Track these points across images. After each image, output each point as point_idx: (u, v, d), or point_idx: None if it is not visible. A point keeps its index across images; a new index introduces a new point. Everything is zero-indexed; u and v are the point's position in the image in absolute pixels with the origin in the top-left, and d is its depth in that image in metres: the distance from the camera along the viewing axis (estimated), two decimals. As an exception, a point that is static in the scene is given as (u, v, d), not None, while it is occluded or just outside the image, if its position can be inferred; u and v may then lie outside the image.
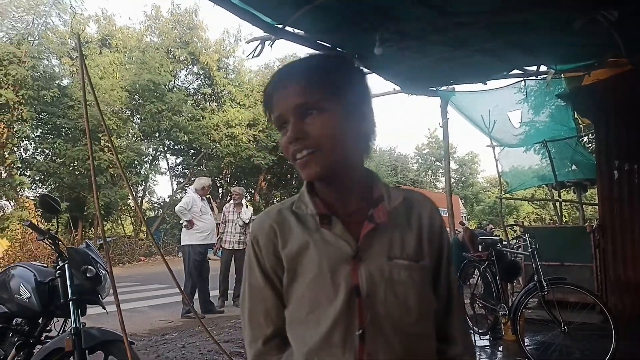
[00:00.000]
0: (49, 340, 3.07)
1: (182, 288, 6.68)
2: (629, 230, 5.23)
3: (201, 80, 24.84)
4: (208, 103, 24.62)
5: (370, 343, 0.86)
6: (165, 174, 25.41)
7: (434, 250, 0.96)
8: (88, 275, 2.95)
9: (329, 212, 0.92)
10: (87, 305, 3.09)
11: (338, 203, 0.94)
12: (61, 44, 18.87)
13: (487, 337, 5.02)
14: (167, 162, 25.11)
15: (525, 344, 4.35)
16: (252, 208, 8.32)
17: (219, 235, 7.54)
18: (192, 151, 24.52)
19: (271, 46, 4.28)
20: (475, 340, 4.97)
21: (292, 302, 0.92)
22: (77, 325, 2.77)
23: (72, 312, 2.81)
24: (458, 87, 6.20)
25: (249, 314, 0.97)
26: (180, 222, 7.26)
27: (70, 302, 2.83)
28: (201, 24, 23.66)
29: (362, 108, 0.93)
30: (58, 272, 2.92)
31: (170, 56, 22.79)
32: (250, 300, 0.97)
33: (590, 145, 10.54)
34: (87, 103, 3.38)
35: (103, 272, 3.11)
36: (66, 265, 2.89)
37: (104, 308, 3.17)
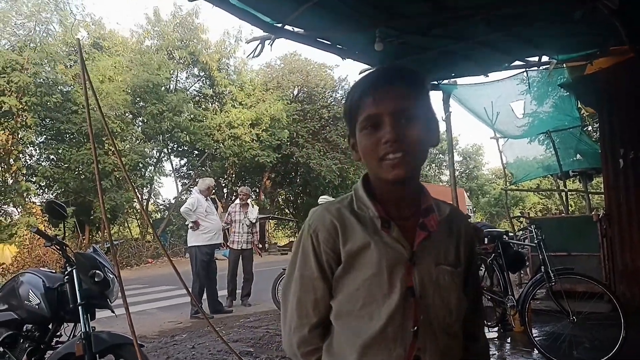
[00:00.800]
0: (59, 345, 3.09)
1: (190, 289, 6.75)
2: (635, 218, 5.21)
3: (202, 82, 24.89)
4: (209, 104, 24.66)
5: (421, 340, 0.96)
6: (169, 175, 25.52)
7: (466, 258, 1.07)
8: (96, 279, 2.96)
9: (387, 217, 0.99)
10: (96, 309, 3.12)
11: (394, 208, 1.01)
12: (60, 50, 18.93)
13: (496, 329, 5.01)
14: (172, 164, 25.23)
15: (534, 334, 4.34)
16: (258, 207, 8.35)
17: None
18: (196, 152, 24.61)
19: (271, 45, 4.28)
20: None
21: (344, 295, 0.99)
22: (87, 330, 2.79)
23: (82, 317, 2.83)
24: (460, 81, 6.17)
25: (298, 302, 1.03)
26: (186, 223, 7.29)
27: (80, 307, 2.85)
28: (201, 25, 23.71)
29: (435, 121, 1.05)
30: (66, 277, 2.94)
31: (171, 58, 22.85)
32: (301, 289, 1.02)
33: (594, 134, 10.49)
34: (90, 107, 3.40)
35: (111, 276, 3.12)
36: (74, 271, 2.92)
37: (113, 312, 3.18)
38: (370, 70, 1.04)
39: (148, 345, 5.14)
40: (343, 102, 1.33)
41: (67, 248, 3.04)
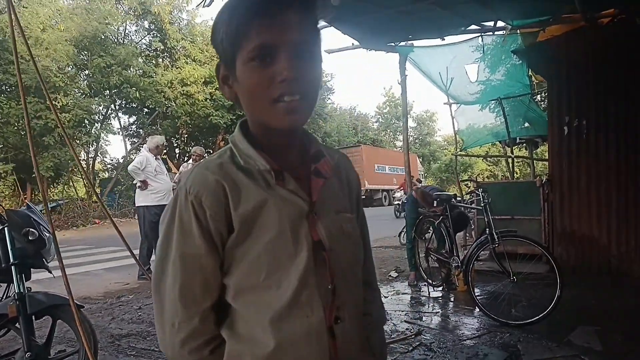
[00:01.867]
0: (-10, 306, 2.93)
1: (139, 250, 6.58)
2: (575, 184, 5.45)
3: (152, 35, 23.65)
4: (161, 59, 23.58)
5: (340, 297, 0.86)
6: (118, 133, 24.46)
7: (355, 204, 1.00)
8: (30, 238, 2.80)
9: (280, 168, 0.84)
10: (32, 269, 2.96)
11: (282, 157, 0.86)
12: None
13: (440, 288, 5.19)
14: (120, 121, 24.14)
15: (476, 294, 4.52)
16: None
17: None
18: (146, 110, 23.60)
19: (222, -5, 4.06)
20: (429, 292, 5.15)
21: (243, 267, 0.82)
22: (21, 291, 2.65)
23: (15, 277, 2.69)
24: (416, 43, 6.13)
25: (181, 290, 0.81)
26: (134, 182, 7.02)
27: (12, 267, 2.70)
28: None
29: (322, 61, 0.86)
30: (-3, 236, 2.76)
31: (118, 7, 21.50)
32: (184, 272, 0.81)
33: (542, 102, 10.82)
34: (28, 59, 3.11)
35: (47, 234, 2.96)
36: (6, 229, 2.74)
37: (50, 272, 3.03)
38: None
39: (92, 306, 5.01)
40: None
41: (-2, 205, 2.85)
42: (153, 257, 6.56)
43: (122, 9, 22.19)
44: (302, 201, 0.85)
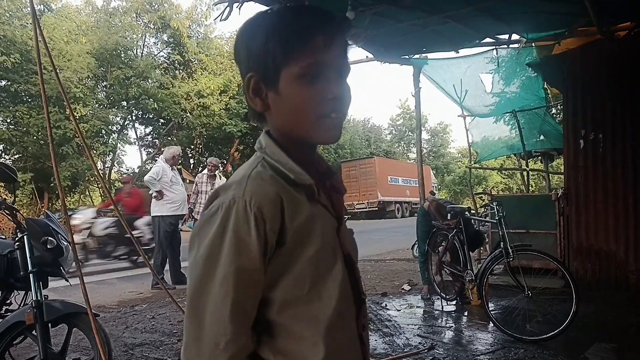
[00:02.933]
0: (9, 313, 2.99)
1: (153, 259, 6.65)
2: (591, 198, 5.38)
3: (171, 48, 24.08)
4: (178, 71, 23.96)
5: (363, 306, 0.93)
6: (134, 143, 24.82)
7: None
8: (49, 246, 2.86)
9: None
10: (50, 277, 3.01)
11: (306, 172, 0.87)
12: (21, 7, 17.90)
13: (454, 302, 5.14)
14: (136, 132, 24.51)
15: (490, 308, 4.47)
16: (226, 179, 8.23)
17: (189, 206, 7.44)
18: (162, 120, 23.96)
19: (239, 8, 4.13)
20: (442, 306, 5.10)
21: (287, 280, 0.82)
22: (39, 298, 2.70)
23: (33, 285, 2.73)
24: (430, 56, 6.15)
25: (232, 307, 0.77)
26: (150, 192, 7.11)
27: (31, 275, 2.74)
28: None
29: None
30: (17, 243, 2.82)
31: (139, 21, 21.97)
32: (236, 288, 0.77)
33: (558, 115, 10.74)
34: (50, 70, 3.20)
35: (65, 243, 3.01)
36: (25, 237, 2.79)
37: (67, 280, 3.08)
38: (299, 5, 0.84)
39: (106, 314, 5.05)
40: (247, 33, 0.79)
41: (18, 213, 2.91)
42: (167, 267, 6.67)
43: (142, 22, 22.67)
44: (331, 215, 0.89)
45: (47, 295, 2.81)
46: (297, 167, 0.84)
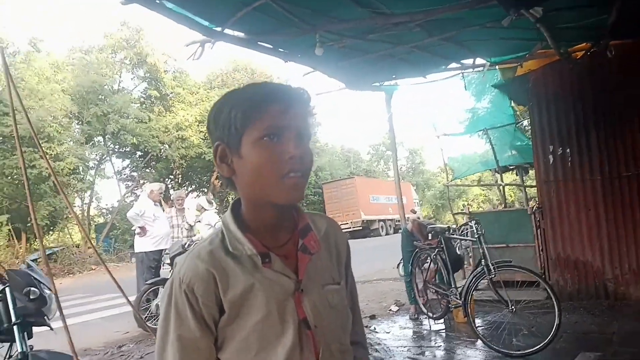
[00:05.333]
0: (-7, 367, 2.94)
1: (136, 297, 6.56)
2: (565, 211, 5.55)
3: (147, 82, 24.14)
4: (155, 106, 24.00)
5: None
6: (111, 178, 24.54)
7: (345, 267, 1.06)
8: (31, 297, 2.84)
9: (266, 250, 0.91)
10: (34, 327, 2.99)
11: (270, 236, 0.94)
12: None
13: (442, 321, 5.21)
14: (113, 166, 24.27)
15: (477, 324, 4.55)
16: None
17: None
18: (139, 153, 23.83)
19: (212, 48, 4.23)
20: (430, 325, 5.16)
21: (233, 345, 0.89)
22: (24, 350, 2.68)
23: (18, 337, 2.72)
24: (401, 81, 6.33)
25: None
26: (133, 228, 7.08)
27: (15, 326, 2.72)
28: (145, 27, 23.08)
29: None
30: (-1, 296, 2.80)
31: (115, 57, 22.05)
32: (181, 352, 0.87)
33: (529, 130, 11.06)
34: (22, 111, 3.25)
35: (47, 292, 3.00)
36: (7, 289, 2.78)
37: (51, 328, 3.06)
38: (260, 82, 0.93)
39: (93, 357, 4.98)
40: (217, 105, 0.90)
41: (-1, 266, 2.90)
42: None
43: (118, 57, 22.76)
44: (289, 280, 0.91)
45: (32, 346, 2.79)
46: (241, 237, 0.90)
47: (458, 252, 5.13)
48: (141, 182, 24.33)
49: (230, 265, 0.89)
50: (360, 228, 25.61)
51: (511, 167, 10.11)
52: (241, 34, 4.13)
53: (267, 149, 0.86)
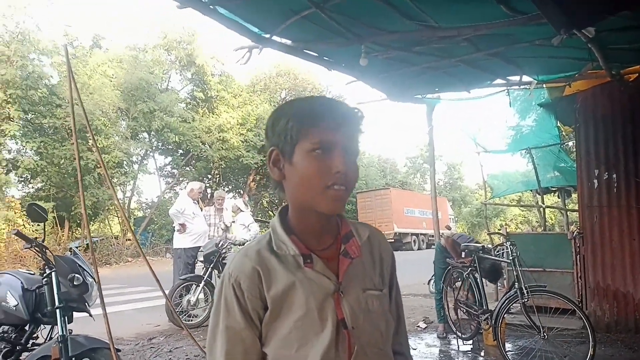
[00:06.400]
0: (35, 347, 3.11)
1: (170, 289, 6.73)
2: (607, 238, 5.35)
3: (195, 84, 24.83)
4: (200, 107, 24.65)
5: None
6: (153, 173, 25.29)
7: (388, 278, 1.10)
8: (75, 283, 2.98)
9: (309, 251, 0.98)
10: (74, 312, 3.13)
11: (314, 239, 1.00)
12: (51, 45, 18.74)
13: (470, 342, 5.11)
14: (156, 162, 25.01)
15: (507, 349, 4.44)
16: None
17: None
18: (180, 151, 24.48)
19: (259, 54, 4.34)
20: (458, 346, 5.07)
21: (276, 340, 0.96)
22: (64, 333, 2.81)
23: (59, 320, 2.85)
24: (443, 95, 6.28)
25: (226, 356, 0.96)
26: (173, 224, 7.32)
27: (57, 310, 2.87)
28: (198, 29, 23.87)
29: None
30: (45, 280, 2.96)
31: (169, 56, 22.86)
32: (228, 342, 0.96)
33: (574, 150, 10.74)
34: (75, 103, 3.43)
35: (90, 279, 3.15)
36: (53, 274, 2.93)
37: (91, 315, 3.20)
38: (318, 96, 1.03)
39: (124, 347, 5.13)
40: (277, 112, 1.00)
41: (47, 251, 3.05)
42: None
43: (169, 58, 23.56)
44: (329, 281, 0.97)
45: (72, 330, 2.92)
46: (286, 240, 0.98)
47: (495, 261, 4.98)
48: (181, 179, 24.97)
49: (274, 264, 0.97)
50: (392, 240, 25.31)
51: (553, 189, 9.80)
52: (288, 42, 4.22)
53: (316, 160, 0.93)
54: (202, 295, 6.29)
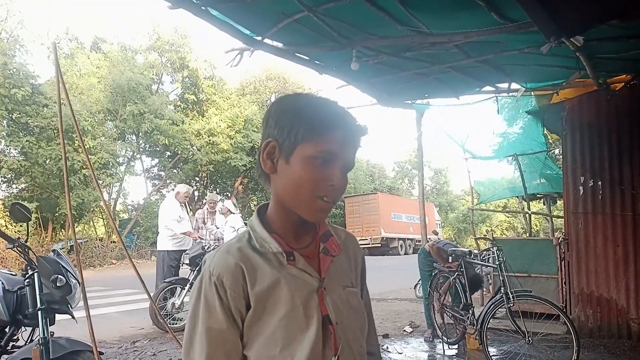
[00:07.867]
0: (16, 350, 3.04)
1: (153, 294, 6.66)
2: (592, 245, 5.42)
3: (186, 87, 24.71)
4: (189, 110, 24.51)
5: None
6: (139, 175, 25.05)
7: (360, 279, 1.12)
8: (58, 284, 2.92)
9: (290, 249, 0.96)
10: (57, 314, 3.07)
11: (293, 237, 1.00)
12: (39, 42, 18.57)
13: (456, 346, 5.12)
14: (142, 164, 24.78)
15: (491, 353, 4.46)
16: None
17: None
18: (168, 153, 24.29)
19: (250, 57, 4.33)
20: (444, 350, 5.08)
21: (260, 341, 0.92)
22: (46, 336, 2.74)
23: (41, 322, 2.78)
24: (433, 101, 6.33)
25: (208, 358, 0.91)
26: (174, 234, 7.09)
27: (39, 312, 2.80)
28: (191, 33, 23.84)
29: None
30: (27, 280, 2.89)
31: (161, 59, 22.75)
32: (209, 345, 0.91)
33: (560, 158, 10.88)
34: (67, 104, 3.38)
35: (73, 281, 3.08)
36: (35, 274, 2.87)
37: (74, 317, 3.14)
38: (332, 102, 0.95)
39: (107, 350, 5.06)
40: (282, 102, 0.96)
41: (30, 251, 2.99)
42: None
43: (161, 60, 23.41)
44: (312, 278, 0.96)
45: (53, 332, 2.86)
46: (268, 237, 0.96)
47: (477, 272, 5.02)
48: (168, 181, 24.76)
49: (258, 261, 0.95)
50: (379, 245, 25.43)
51: (539, 196, 9.93)
52: (280, 44, 4.21)
53: (314, 168, 0.91)
54: (187, 299, 6.23)
